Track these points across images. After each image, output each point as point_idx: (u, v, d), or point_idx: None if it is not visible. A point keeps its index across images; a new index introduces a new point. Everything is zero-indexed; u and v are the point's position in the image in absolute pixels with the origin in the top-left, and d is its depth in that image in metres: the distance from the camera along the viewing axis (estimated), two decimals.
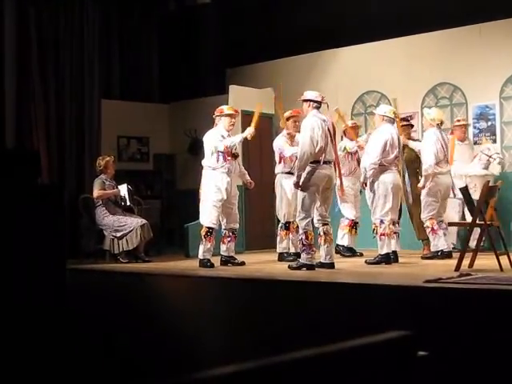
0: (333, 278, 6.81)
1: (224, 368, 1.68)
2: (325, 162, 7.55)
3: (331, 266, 7.56)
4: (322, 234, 7.61)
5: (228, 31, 12.37)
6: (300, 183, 7.52)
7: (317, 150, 7.49)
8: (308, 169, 7.49)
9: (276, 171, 9.20)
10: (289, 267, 7.60)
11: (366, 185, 8.25)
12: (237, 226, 8.57)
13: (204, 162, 8.48)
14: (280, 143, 9.09)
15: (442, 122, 8.83)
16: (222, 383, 1.67)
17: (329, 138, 7.64)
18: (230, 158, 8.36)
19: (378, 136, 8.26)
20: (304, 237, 7.48)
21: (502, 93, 9.74)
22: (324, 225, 7.63)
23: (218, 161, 8.32)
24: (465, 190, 7.29)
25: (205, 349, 5.98)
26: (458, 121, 9.60)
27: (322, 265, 7.55)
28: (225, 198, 8.29)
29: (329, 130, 7.68)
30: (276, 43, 11.75)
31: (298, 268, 7.47)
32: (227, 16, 12.35)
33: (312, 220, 7.64)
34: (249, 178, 8.84)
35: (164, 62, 12.84)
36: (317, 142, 7.49)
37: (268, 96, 11.42)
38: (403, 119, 9.69)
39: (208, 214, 8.30)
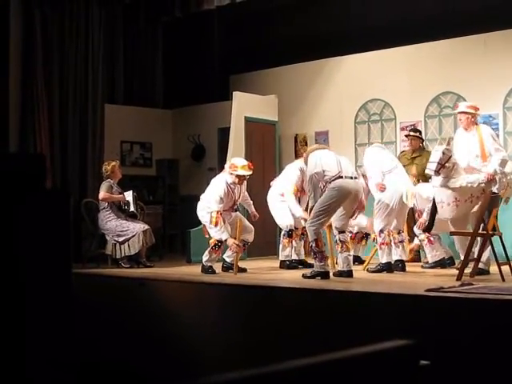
0: (333, 285, 6.80)
1: (225, 375, 1.69)
2: (348, 177, 7.46)
3: (349, 274, 7.41)
4: (338, 241, 7.49)
5: (232, 38, 12.40)
6: (312, 207, 7.52)
7: (328, 168, 7.44)
8: (331, 184, 7.38)
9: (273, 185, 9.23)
10: (303, 276, 7.47)
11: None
12: (250, 238, 8.58)
13: (203, 198, 8.51)
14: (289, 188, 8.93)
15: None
16: None
17: (343, 159, 7.68)
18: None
19: (367, 159, 8.37)
20: (314, 244, 7.35)
21: (506, 103, 9.74)
22: (341, 232, 7.53)
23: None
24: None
25: (206, 355, 5.97)
26: (457, 107, 8.22)
27: (340, 273, 7.44)
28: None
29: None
30: (280, 50, 11.78)
31: (313, 277, 7.35)
32: (232, 23, 12.39)
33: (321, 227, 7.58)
34: (253, 210, 8.85)
35: (168, 67, 12.87)
36: (320, 163, 7.49)
37: (271, 103, 11.45)
38: (412, 130, 9.69)
39: (217, 229, 8.28)
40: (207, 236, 8.46)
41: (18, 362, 2.33)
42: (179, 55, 12.81)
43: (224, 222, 8.26)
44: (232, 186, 8.41)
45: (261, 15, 12.06)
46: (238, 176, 8.36)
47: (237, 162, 8.51)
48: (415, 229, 8.61)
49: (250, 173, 8.49)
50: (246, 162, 8.54)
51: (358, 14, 11.13)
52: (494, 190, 7.17)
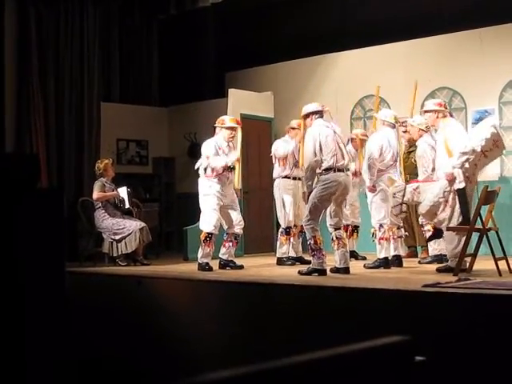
0: (330, 282, 6.80)
1: (222, 372, 1.69)
2: (339, 170, 7.39)
3: (346, 270, 7.41)
4: (334, 238, 7.46)
5: (228, 35, 12.39)
6: (309, 193, 7.45)
7: (326, 157, 7.36)
8: (322, 177, 7.37)
9: (274, 175, 9.17)
10: (299, 273, 7.48)
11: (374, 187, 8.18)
12: (239, 231, 8.54)
13: (200, 171, 8.49)
14: (275, 144, 9.14)
15: (428, 127, 8.30)
16: None
17: (338, 144, 7.49)
18: (225, 171, 8.39)
19: (372, 141, 8.30)
20: (312, 242, 7.34)
21: (501, 98, 9.74)
22: (336, 229, 7.50)
23: (212, 172, 8.36)
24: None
25: (204, 352, 5.97)
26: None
27: (337, 270, 7.43)
28: (221, 203, 8.32)
29: (335, 133, 7.55)
30: (276, 47, 11.78)
31: (309, 273, 7.34)
32: (227, 20, 12.37)
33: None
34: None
35: (164, 65, 12.86)
36: (320, 151, 7.39)
37: (267, 100, 11.45)
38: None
39: (207, 220, 8.31)
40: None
41: (17, 362, 2.33)
42: (175, 53, 12.79)
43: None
44: (223, 144, 8.44)
45: (256, 12, 12.05)
46: (227, 128, 8.45)
47: (224, 117, 8.69)
48: (420, 219, 8.60)
49: (239, 126, 8.57)
50: (232, 117, 8.76)
51: (354, 10, 11.13)
52: (459, 186, 7.07)
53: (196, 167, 8.54)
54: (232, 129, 8.48)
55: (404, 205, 7.64)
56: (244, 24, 12.24)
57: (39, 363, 2.46)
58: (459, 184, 7.08)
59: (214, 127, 8.70)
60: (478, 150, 6.98)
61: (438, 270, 7.40)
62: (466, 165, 7.01)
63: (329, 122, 7.69)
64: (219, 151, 8.39)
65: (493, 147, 6.99)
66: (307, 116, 7.72)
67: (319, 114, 7.66)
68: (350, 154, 8.71)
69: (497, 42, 9.79)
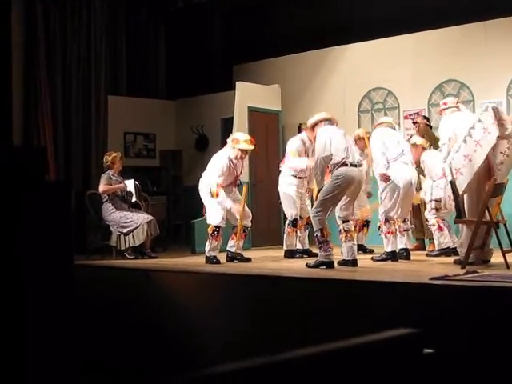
0: (337, 274, 6.80)
1: (230, 365, 1.69)
2: (352, 165, 7.38)
3: (354, 263, 7.38)
4: (342, 231, 7.44)
5: (235, 28, 12.37)
6: (320, 189, 7.43)
7: (336, 153, 7.33)
8: (335, 172, 7.32)
9: (282, 169, 9.16)
10: (307, 265, 7.44)
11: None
12: (248, 223, 8.54)
13: (205, 175, 8.48)
14: (291, 148, 8.99)
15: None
16: (228, 380, 1.67)
17: (347, 141, 7.53)
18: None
19: (373, 142, 8.31)
20: (319, 234, 7.30)
21: (510, 90, 9.71)
22: (345, 222, 7.48)
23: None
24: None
25: (211, 345, 5.99)
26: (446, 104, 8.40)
27: (344, 262, 7.41)
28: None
29: (344, 135, 7.61)
30: (283, 40, 11.75)
31: (317, 266, 7.31)
32: (234, 12, 12.36)
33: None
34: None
35: (171, 58, 12.86)
36: (330, 147, 7.37)
37: (275, 92, 11.44)
38: (425, 117, 9.65)
39: (214, 213, 8.29)
40: (204, 213, 8.46)
41: (18, 359, 2.33)
42: (182, 46, 12.79)
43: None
44: (234, 160, 8.38)
45: (263, 4, 12.03)
46: (240, 150, 8.34)
47: (239, 137, 8.50)
48: (426, 213, 8.62)
49: (253, 147, 8.47)
50: (248, 137, 8.53)
51: (361, 3, 11.10)
52: (448, 179, 7.24)
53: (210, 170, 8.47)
54: (243, 152, 8.41)
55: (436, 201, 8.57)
56: (251, 16, 12.22)
57: (42, 358, 2.46)
58: (448, 177, 7.33)
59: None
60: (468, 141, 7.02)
61: (455, 262, 7.40)
62: (456, 158, 7.07)
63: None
64: (230, 168, 8.35)
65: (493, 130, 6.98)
66: (316, 124, 7.73)
67: (328, 121, 7.73)
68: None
69: (504, 34, 9.75)
